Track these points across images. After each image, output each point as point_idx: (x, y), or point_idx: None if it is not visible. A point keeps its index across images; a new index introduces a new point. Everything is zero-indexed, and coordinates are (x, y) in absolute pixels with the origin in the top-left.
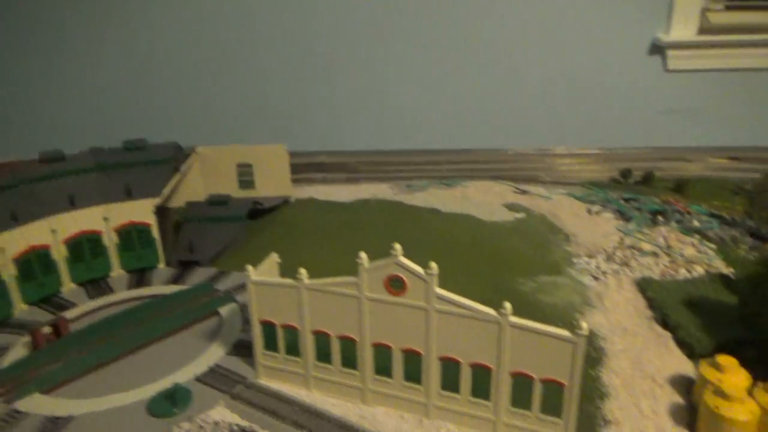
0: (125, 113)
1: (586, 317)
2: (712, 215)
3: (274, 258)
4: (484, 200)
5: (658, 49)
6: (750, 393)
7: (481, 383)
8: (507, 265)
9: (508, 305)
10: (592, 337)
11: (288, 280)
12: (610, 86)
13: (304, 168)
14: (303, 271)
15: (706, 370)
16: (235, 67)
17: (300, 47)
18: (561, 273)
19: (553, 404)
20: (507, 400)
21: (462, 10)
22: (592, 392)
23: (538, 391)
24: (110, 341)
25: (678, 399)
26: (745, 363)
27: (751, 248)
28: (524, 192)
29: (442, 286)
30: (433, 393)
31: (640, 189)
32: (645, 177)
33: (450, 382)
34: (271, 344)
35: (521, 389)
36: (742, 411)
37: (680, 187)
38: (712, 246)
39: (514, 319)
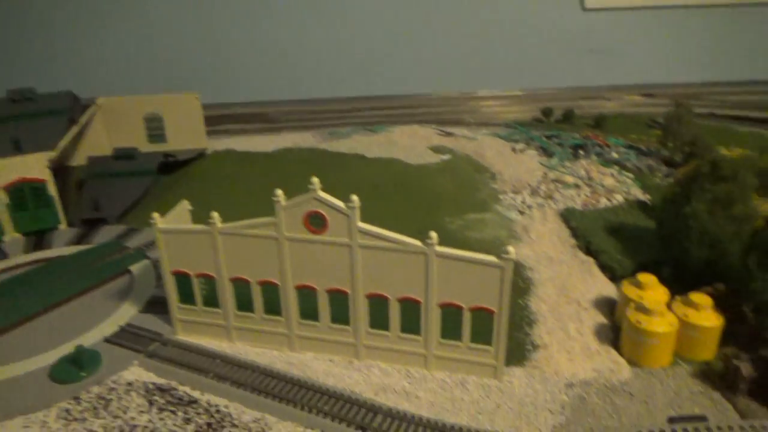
0: (8, 60)
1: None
2: (630, 147)
3: (185, 205)
4: (409, 144)
5: None
6: (669, 307)
7: (411, 318)
8: (435, 205)
9: (434, 235)
10: (519, 268)
11: (199, 226)
12: (530, 27)
13: (220, 119)
14: (216, 215)
15: (628, 288)
16: (137, 9)
17: None
18: (488, 210)
19: (483, 332)
20: (437, 332)
21: None
22: (521, 320)
23: (467, 320)
24: (5, 308)
25: (602, 319)
26: (663, 281)
27: (666, 175)
28: (449, 134)
29: None
30: (362, 333)
31: (561, 126)
32: (566, 115)
33: (379, 320)
34: (186, 297)
35: (451, 320)
36: (662, 323)
37: (599, 123)
38: (630, 175)
39: (440, 248)
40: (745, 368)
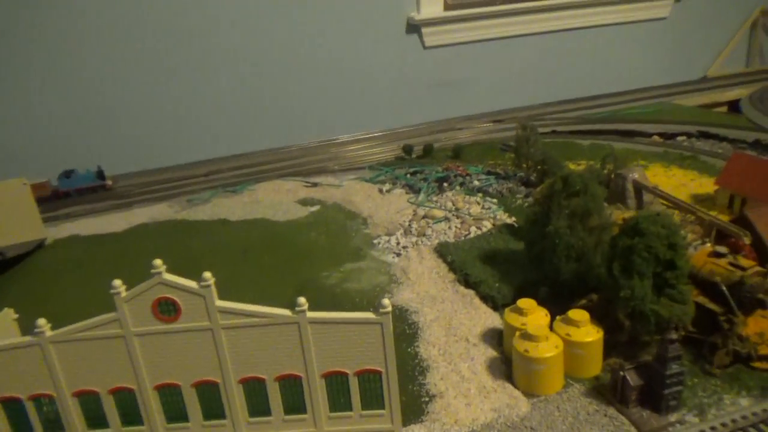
0: None
1: (394, 295)
2: (489, 173)
3: (7, 315)
4: (275, 200)
5: (414, 28)
6: (551, 328)
7: (294, 396)
8: (309, 261)
9: (302, 300)
10: (404, 314)
11: (24, 339)
12: (379, 70)
13: (58, 203)
14: (42, 322)
15: (510, 317)
16: None
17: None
18: (364, 257)
19: (373, 396)
20: (325, 406)
21: (226, 25)
22: (413, 369)
23: (355, 386)
24: None
25: (492, 353)
26: (542, 301)
27: (525, 196)
28: (315, 184)
29: (240, 298)
30: (241, 425)
31: (423, 161)
32: (426, 149)
33: (258, 406)
34: (22, 426)
35: (337, 390)
36: (548, 347)
37: (457, 153)
38: (494, 200)
39: (312, 314)
40: (631, 377)
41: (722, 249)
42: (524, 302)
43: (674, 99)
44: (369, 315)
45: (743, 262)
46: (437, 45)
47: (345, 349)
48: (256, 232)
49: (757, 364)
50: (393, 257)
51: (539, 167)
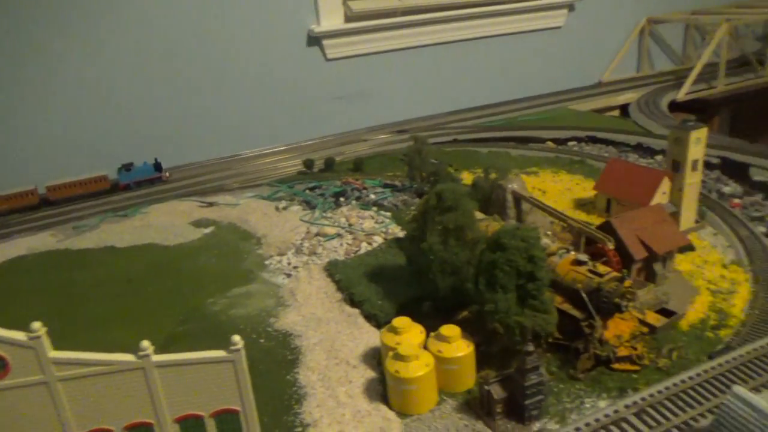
0: None
1: (280, 319)
2: (386, 185)
3: None
4: (168, 223)
5: (315, 40)
6: (426, 346)
7: None
8: (197, 287)
9: (145, 343)
10: (288, 338)
11: None
12: (280, 83)
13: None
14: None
15: (386, 336)
16: None
17: None
18: (254, 280)
19: None
20: None
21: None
22: (290, 398)
23: (212, 428)
24: None
25: (372, 374)
26: (425, 316)
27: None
28: (211, 204)
29: (116, 337)
30: None
31: (325, 176)
32: (327, 163)
33: None
34: None
35: None
36: (418, 367)
37: (358, 166)
38: (388, 214)
39: (158, 357)
40: (496, 390)
41: (583, 257)
42: (399, 321)
43: (570, 104)
44: (220, 353)
45: (601, 268)
46: (339, 57)
47: (198, 390)
48: (144, 259)
49: (616, 366)
50: (283, 278)
51: (432, 179)
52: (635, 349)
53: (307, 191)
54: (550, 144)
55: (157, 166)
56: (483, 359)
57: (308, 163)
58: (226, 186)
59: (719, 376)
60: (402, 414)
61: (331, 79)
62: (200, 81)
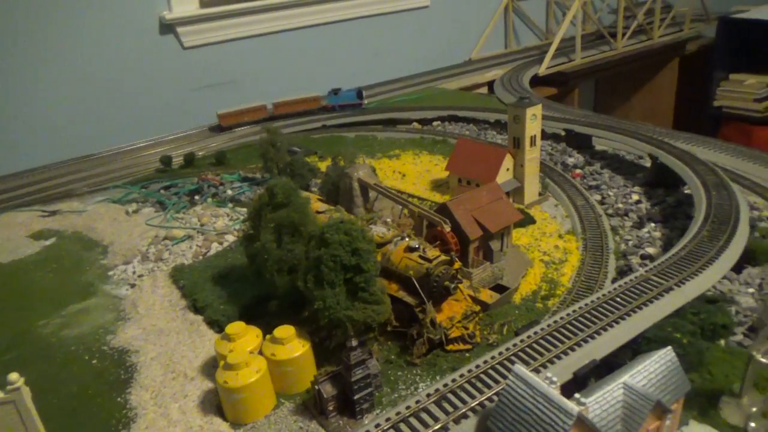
0: None
1: (118, 335)
2: (245, 179)
3: None
4: (3, 237)
5: (168, 28)
6: (261, 351)
7: None
8: (27, 308)
9: (14, 376)
10: (123, 356)
11: None
12: (134, 76)
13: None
14: None
15: (219, 345)
16: None
17: None
18: (94, 294)
19: None
20: None
21: None
22: (118, 423)
23: None
24: None
25: (209, 385)
26: (273, 316)
27: None
28: (54, 213)
29: None
30: None
31: (184, 172)
32: (187, 159)
33: None
34: None
35: None
36: (247, 374)
37: (220, 159)
38: (243, 210)
39: None
40: (326, 388)
41: (414, 243)
42: (232, 327)
43: (441, 83)
44: None
45: (430, 253)
46: (198, 45)
47: None
48: None
49: (450, 347)
50: (127, 289)
51: (288, 170)
52: (467, 328)
53: (162, 191)
54: (416, 125)
55: (359, 94)
56: (324, 356)
57: (166, 160)
58: (73, 191)
59: (519, 352)
60: (236, 425)
61: (190, 69)
62: (41, 76)
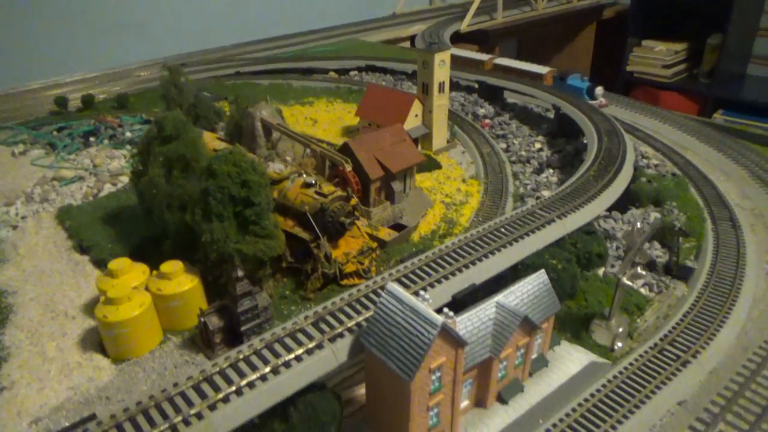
0: None
1: None
2: (146, 122)
3: None
4: None
5: None
6: (147, 286)
7: None
8: None
9: None
10: None
11: None
12: (36, 10)
13: None
14: None
15: (101, 281)
16: None
17: None
18: None
19: None
20: None
21: None
22: None
23: None
24: None
25: (92, 323)
26: (167, 256)
27: None
28: None
29: None
30: None
31: (82, 115)
32: (85, 101)
33: None
34: None
35: None
36: (130, 308)
37: (122, 103)
38: None
39: None
40: (212, 321)
41: (310, 179)
42: (115, 263)
43: (362, 36)
44: None
45: (325, 189)
46: None
47: None
48: None
49: (345, 282)
50: (8, 231)
51: (193, 112)
52: (362, 263)
53: (54, 132)
54: (332, 74)
55: None
56: (217, 291)
57: (61, 102)
58: None
59: (402, 278)
60: (118, 360)
61: (99, 9)
62: None
